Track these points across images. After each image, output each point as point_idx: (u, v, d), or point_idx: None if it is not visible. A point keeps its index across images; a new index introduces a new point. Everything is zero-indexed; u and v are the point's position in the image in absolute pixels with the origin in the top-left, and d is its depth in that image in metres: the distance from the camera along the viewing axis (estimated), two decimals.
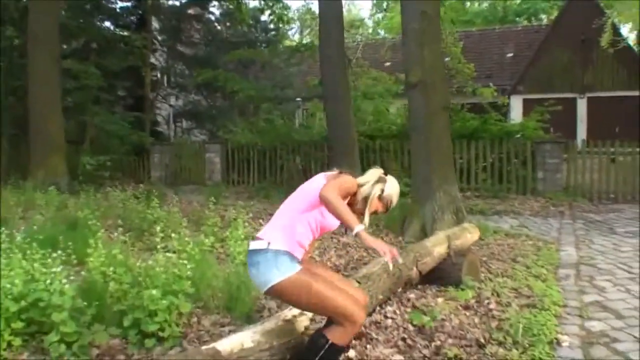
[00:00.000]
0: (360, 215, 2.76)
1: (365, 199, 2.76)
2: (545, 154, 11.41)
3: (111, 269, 4.60)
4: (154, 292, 3.61)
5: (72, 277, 4.89)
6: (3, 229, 4.88)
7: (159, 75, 21.86)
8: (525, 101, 18.69)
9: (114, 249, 4.91)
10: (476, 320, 3.86)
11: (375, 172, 2.86)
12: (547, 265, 5.54)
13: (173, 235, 5.17)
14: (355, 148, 11.67)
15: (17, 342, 3.63)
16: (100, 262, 4.71)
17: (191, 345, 3.62)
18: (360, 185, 2.79)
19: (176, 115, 23.38)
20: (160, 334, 3.67)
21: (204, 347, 2.54)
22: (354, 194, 2.77)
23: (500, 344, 3.39)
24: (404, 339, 3.48)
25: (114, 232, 7.49)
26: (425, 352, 3.30)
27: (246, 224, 6.87)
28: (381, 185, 2.78)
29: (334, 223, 2.73)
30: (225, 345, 2.57)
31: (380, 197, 2.77)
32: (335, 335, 2.56)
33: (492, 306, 4.14)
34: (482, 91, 11.29)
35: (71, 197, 10.18)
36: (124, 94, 19.94)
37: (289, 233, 2.64)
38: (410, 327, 3.68)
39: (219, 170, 14.37)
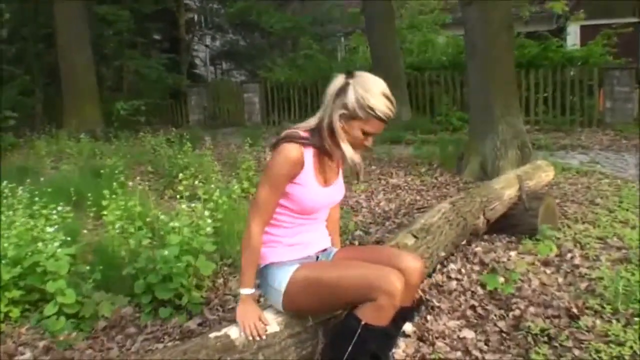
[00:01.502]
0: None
1: (331, 131, 1.94)
2: (614, 81, 10.21)
3: (126, 223, 4.10)
4: (166, 252, 3.00)
5: (86, 232, 4.43)
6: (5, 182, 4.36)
7: (195, 16, 21.06)
8: (583, 28, 17.00)
9: (132, 199, 4.37)
10: (560, 280, 3.12)
11: (331, 87, 1.97)
12: (633, 208, 4.67)
13: (197, 182, 4.58)
14: (403, 81, 10.81)
15: (15, 313, 3.13)
16: (116, 215, 4.18)
17: (212, 315, 3.03)
18: (310, 129, 1.99)
19: (214, 57, 22.65)
20: (177, 301, 3.09)
21: (212, 335, 1.91)
22: (315, 145, 1.97)
23: (596, 313, 2.65)
24: (473, 307, 2.78)
25: (143, 180, 7.08)
26: (502, 324, 2.60)
27: None
28: (341, 100, 1.91)
29: (320, 188, 2.02)
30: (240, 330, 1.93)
31: (347, 115, 1.91)
32: (368, 314, 1.87)
33: (577, 261, 3.38)
34: (552, 5, 9.98)
35: (104, 144, 9.78)
36: (160, 37, 19.33)
37: (268, 240, 2.06)
38: (480, 290, 2.98)
39: (257, 110, 13.69)
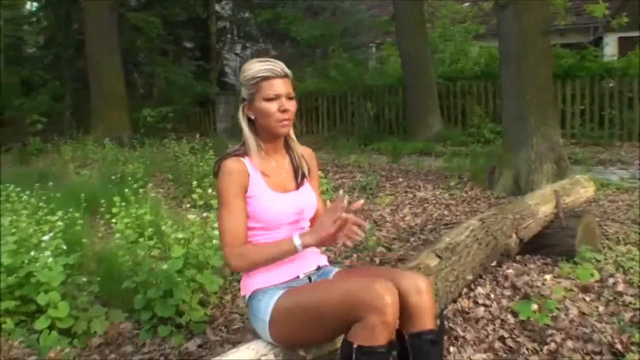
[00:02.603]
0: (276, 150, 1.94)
1: (244, 132, 1.88)
2: None
3: (135, 232, 3.91)
4: (165, 266, 2.77)
5: (96, 239, 4.26)
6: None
7: (226, 25, 21.10)
8: (621, 40, 16.39)
9: (144, 207, 4.18)
10: (601, 309, 2.79)
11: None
12: None
13: (210, 190, 4.37)
14: (434, 90, 10.51)
15: (10, 324, 2.93)
16: (125, 224, 3.99)
17: (215, 336, 2.79)
18: (241, 146, 1.91)
19: None
20: (178, 319, 2.86)
21: None
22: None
23: None
24: (502, 339, 2.47)
25: (162, 188, 6.93)
26: (534, 359, 2.29)
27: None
28: (240, 102, 1.90)
29: (277, 202, 1.86)
30: None
31: (247, 102, 1.86)
32: (360, 335, 1.61)
33: (620, 288, 3.04)
34: (591, 9, 9.55)
35: (129, 150, 9.69)
36: (191, 45, 19.41)
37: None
38: (511, 319, 2.66)
39: None
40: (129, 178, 5.70)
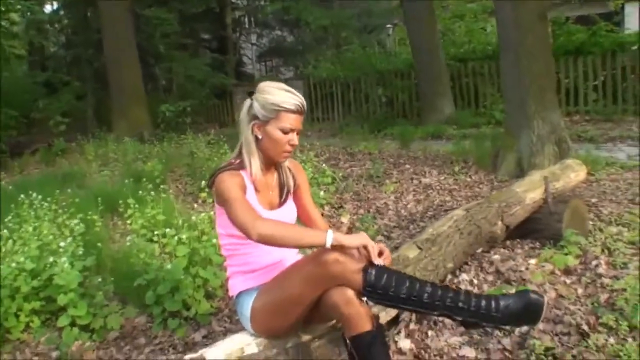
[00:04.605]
0: (268, 168, 2.09)
1: (248, 148, 2.01)
2: None
3: (149, 232, 4.18)
4: (169, 266, 3.03)
5: (113, 241, 4.55)
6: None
7: (244, 14, 21.23)
8: None
9: (157, 207, 4.45)
10: (580, 291, 2.95)
11: (242, 113, 2.06)
12: None
13: None
14: (444, 73, 10.57)
15: (36, 322, 3.24)
16: (140, 224, 4.27)
17: (219, 327, 3.04)
18: (237, 156, 2.06)
19: (262, 54, 22.79)
20: (185, 313, 3.12)
21: (187, 357, 1.90)
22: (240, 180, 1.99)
23: (610, 330, 2.48)
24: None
25: (181, 184, 7.22)
26: (506, 342, 2.48)
27: (320, 165, 6.23)
28: (250, 116, 2.01)
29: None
30: (217, 352, 1.92)
31: (260, 123, 1.98)
32: (348, 328, 1.84)
33: (601, 270, 3.19)
34: None
35: (149, 146, 10.00)
36: (208, 36, 19.62)
37: (231, 272, 2.12)
38: None
39: None
40: (144, 179, 5.93)
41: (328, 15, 14.62)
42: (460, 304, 1.83)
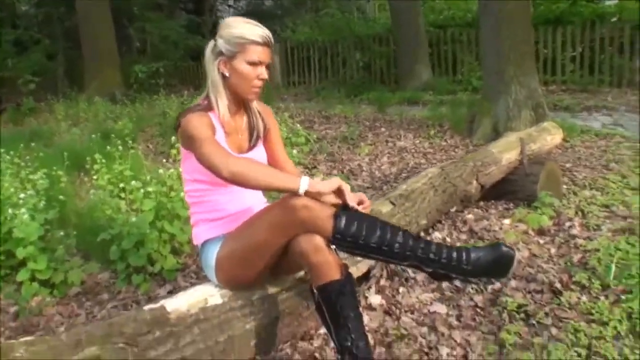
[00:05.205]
0: (237, 111, 2.00)
1: (215, 87, 1.90)
2: None
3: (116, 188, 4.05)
4: (134, 218, 2.92)
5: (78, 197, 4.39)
6: None
7: None
8: None
9: (125, 163, 4.30)
10: (553, 251, 2.93)
11: (206, 54, 1.92)
12: None
13: None
14: (423, 39, 10.45)
15: None
16: (107, 179, 4.13)
17: (185, 282, 2.95)
18: (204, 98, 1.96)
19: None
20: (150, 268, 3.02)
21: (147, 307, 1.81)
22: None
23: (583, 288, 2.46)
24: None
25: (151, 143, 7.04)
26: (478, 299, 2.44)
27: (294, 125, 6.11)
28: (215, 54, 1.89)
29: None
30: (179, 303, 1.83)
31: (226, 59, 1.88)
32: (314, 278, 1.76)
33: (575, 231, 3.17)
34: None
35: (120, 107, 9.74)
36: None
37: (196, 220, 2.02)
38: None
39: (278, 71, 13.46)
40: (113, 135, 5.77)
41: None
42: (431, 255, 1.76)
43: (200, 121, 1.82)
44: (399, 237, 1.75)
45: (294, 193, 1.71)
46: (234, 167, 1.69)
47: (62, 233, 3.11)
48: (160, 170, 3.47)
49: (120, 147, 4.30)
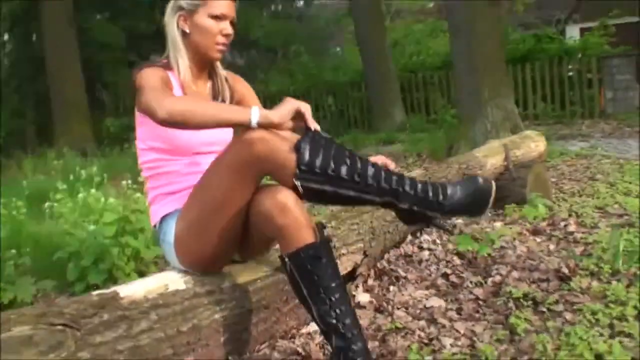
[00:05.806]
0: (200, 74, 1.80)
1: (175, 45, 1.73)
2: (614, 70, 9.80)
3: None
4: (92, 227, 2.63)
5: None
6: None
7: None
8: (583, 31, 16.65)
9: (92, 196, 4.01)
10: (551, 247, 2.71)
11: (166, 14, 1.75)
12: (637, 181, 4.23)
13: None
14: (394, 80, 10.51)
15: None
16: (68, 207, 3.83)
17: None
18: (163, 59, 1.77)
19: None
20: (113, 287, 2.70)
21: (95, 293, 1.52)
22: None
23: (592, 274, 2.23)
24: (445, 276, 2.37)
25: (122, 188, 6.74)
26: (479, 292, 2.19)
27: None
28: (175, 10, 1.73)
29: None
30: (135, 288, 1.55)
31: (186, 14, 1.71)
32: (284, 241, 1.48)
33: (572, 228, 2.97)
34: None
35: (90, 159, 9.46)
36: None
37: (154, 196, 1.76)
38: (457, 260, 2.57)
39: None
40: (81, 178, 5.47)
41: (280, 29, 14.45)
42: (407, 187, 1.51)
43: (154, 73, 1.61)
44: (370, 165, 1.50)
45: (247, 127, 1.47)
46: (171, 105, 1.45)
47: (13, 251, 2.79)
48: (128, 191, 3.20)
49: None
